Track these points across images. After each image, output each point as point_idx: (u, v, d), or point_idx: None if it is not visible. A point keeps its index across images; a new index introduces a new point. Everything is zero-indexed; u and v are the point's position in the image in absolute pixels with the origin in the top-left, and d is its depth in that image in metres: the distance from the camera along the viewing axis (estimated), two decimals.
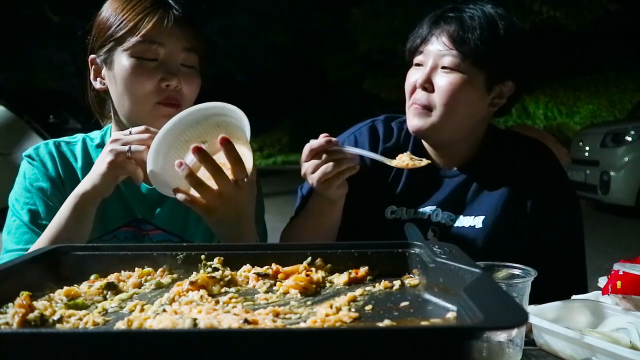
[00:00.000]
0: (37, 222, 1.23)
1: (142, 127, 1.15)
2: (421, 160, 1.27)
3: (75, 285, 0.82)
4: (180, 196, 1.09)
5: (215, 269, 0.85)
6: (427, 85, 1.36)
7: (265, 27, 18.17)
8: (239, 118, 1.07)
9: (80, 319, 0.69)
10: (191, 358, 0.50)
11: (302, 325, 0.66)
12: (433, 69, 1.36)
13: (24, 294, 0.72)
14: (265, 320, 0.66)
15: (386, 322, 0.65)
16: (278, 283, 0.84)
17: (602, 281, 1.07)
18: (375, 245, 0.89)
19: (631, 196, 6.94)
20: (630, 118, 8.34)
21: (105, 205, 1.22)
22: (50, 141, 1.34)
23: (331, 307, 0.70)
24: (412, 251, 0.87)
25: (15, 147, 6.48)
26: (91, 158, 1.33)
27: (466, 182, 1.44)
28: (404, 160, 1.27)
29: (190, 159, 1.06)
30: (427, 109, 1.36)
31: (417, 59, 1.41)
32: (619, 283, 1.00)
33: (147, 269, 0.88)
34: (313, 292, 0.80)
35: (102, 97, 1.37)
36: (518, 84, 1.40)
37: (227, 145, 1.04)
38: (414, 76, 1.40)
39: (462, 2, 1.40)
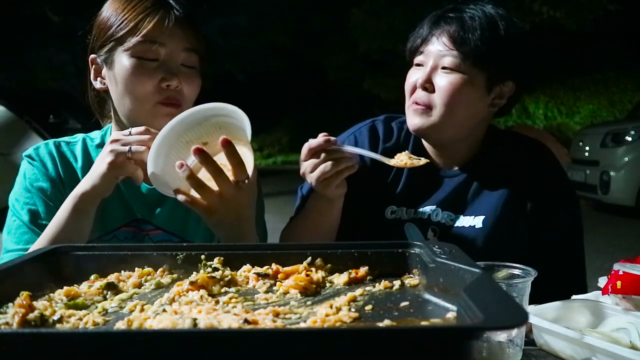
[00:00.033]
0: (37, 222, 1.23)
1: (142, 128, 1.15)
2: (419, 159, 1.27)
3: (75, 285, 0.82)
4: (180, 197, 1.09)
5: (215, 269, 0.85)
6: (428, 86, 1.36)
7: (265, 27, 18.17)
8: (240, 119, 1.07)
9: (80, 319, 0.69)
10: (191, 358, 0.50)
11: (302, 325, 0.66)
12: (433, 69, 1.36)
13: (24, 294, 0.72)
14: (265, 320, 0.66)
15: (386, 322, 0.65)
16: (278, 283, 0.84)
17: (602, 281, 1.07)
18: (375, 245, 0.89)
19: (631, 196, 6.94)
20: (630, 118, 8.34)
21: (105, 205, 1.22)
22: (51, 141, 1.34)
23: (331, 307, 0.70)
24: (412, 251, 0.87)
25: (15, 147, 6.48)
26: (91, 158, 1.32)
27: (466, 182, 1.44)
28: (402, 159, 1.27)
29: (191, 160, 1.06)
30: (428, 108, 1.36)
31: (418, 59, 1.41)
32: (619, 283, 1.00)
33: (147, 269, 0.88)
34: (313, 292, 0.80)
35: (102, 97, 1.37)
36: (518, 84, 1.40)
37: (228, 147, 1.04)
38: (414, 76, 1.39)
39: (463, 3, 1.40)
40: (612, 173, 7.04)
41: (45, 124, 7.10)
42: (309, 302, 0.75)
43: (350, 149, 1.25)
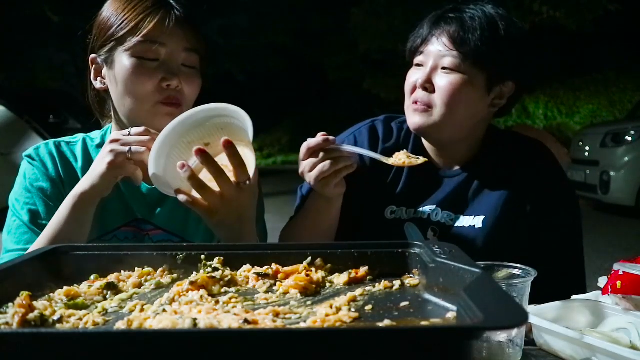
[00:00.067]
0: (37, 222, 1.23)
1: (141, 128, 1.15)
2: (418, 158, 1.27)
3: (75, 285, 0.82)
4: (181, 197, 1.09)
5: (215, 269, 0.85)
6: (428, 86, 1.36)
7: (265, 27, 18.17)
8: (242, 119, 1.07)
9: (80, 319, 0.69)
10: (191, 358, 0.50)
11: (302, 325, 0.66)
12: (433, 70, 1.36)
13: (24, 294, 0.72)
14: (265, 320, 0.66)
15: (386, 322, 0.65)
16: (278, 283, 0.84)
17: (602, 281, 1.07)
18: (375, 245, 0.89)
19: (631, 196, 6.94)
20: (630, 118, 8.34)
21: (105, 205, 1.22)
22: (51, 141, 1.34)
23: (331, 307, 0.70)
24: (412, 251, 0.87)
25: (15, 147, 6.49)
26: (91, 158, 1.32)
27: (466, 181, 1.44)
28: (400, 158, 1.28)
29: (193, 160, 1.05)
30: (428, 107, 1.36)
31: (418, 59, 1.41)
32: (619, 283, 1.00)
33: (147, 269, 0.88)
34: (313, 292, 0.80)
35: (102, 97, 1.37)
36: (518, 84, 1.40)
37: (230, 148, 1.03)
38: (414, 76, 1.40)
39: (463, 3, 1.40)
40: (612, 173, 7.04)
41: (45, 124, 7.11)
42: (309, 302, 0.75)
43: (348, 148, 1.25)
